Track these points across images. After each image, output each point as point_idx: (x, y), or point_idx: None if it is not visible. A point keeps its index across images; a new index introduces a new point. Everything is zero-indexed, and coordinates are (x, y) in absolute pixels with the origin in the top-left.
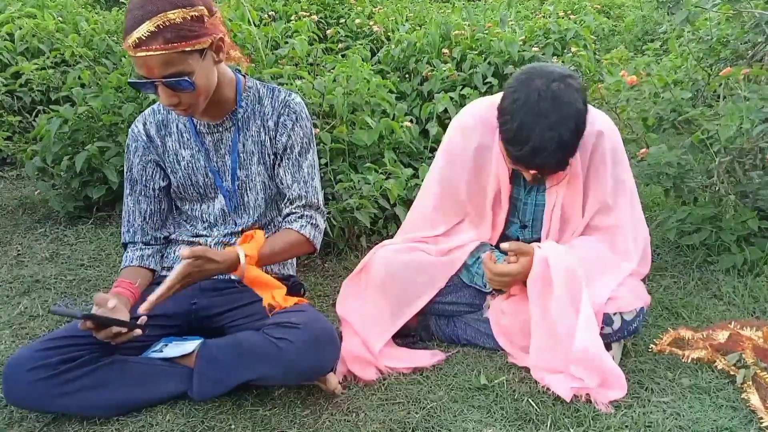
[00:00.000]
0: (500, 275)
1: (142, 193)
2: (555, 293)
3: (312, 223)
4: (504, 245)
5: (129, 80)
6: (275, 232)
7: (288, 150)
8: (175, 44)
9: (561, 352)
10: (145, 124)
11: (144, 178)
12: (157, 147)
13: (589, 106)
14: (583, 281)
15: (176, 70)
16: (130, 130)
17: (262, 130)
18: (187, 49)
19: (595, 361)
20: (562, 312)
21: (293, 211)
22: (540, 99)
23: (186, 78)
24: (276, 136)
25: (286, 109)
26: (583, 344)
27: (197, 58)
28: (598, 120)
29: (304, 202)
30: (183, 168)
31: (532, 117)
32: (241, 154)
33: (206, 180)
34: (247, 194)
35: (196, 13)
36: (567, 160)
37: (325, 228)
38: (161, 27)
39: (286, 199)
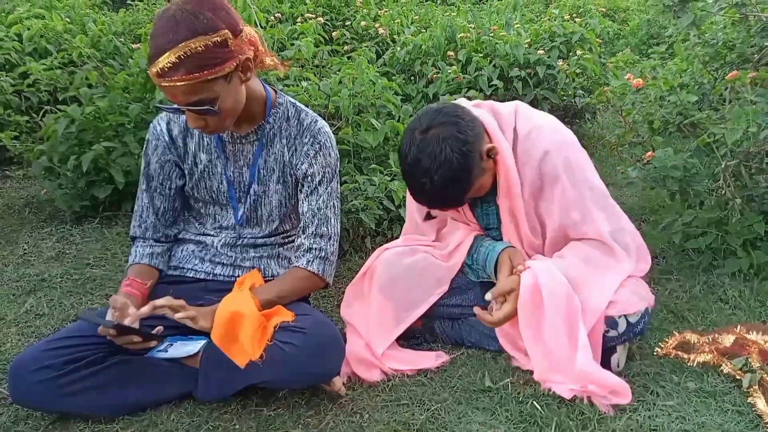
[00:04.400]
0: (502, 320)
1: (157, 190)
2: (546, 317)
3: (321, 257)
4: (487, 296)
5: (156, 104)
6: (287, 244)
7: (309, 178)
8: (197, 74)
9: (560, 370)
10: (168, 123)
11: (161, 177)
12: (177, 147)
13: (538, 119)
14: (578, 304)
15: (200, 97)
16: (152, 125)
17: (286, 150)
18: (210, 77)
19: (599, 380)
20: (554, 336)
21: (303, 242)
22: (411, 149)
23: (209, 106)
24: (297, 163)
25: (311, 138)
26: (584, 368)
27: (222, 83)
28: (542, 139)
29: (313, 230)
30: (199, 171)
31: (408, 166)
32: (261, 170)
33: (220, 186)
34: (261, 209)
35: (219, 39)
36: (454, 200)
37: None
38: (183, 57)
39: (299, 227)
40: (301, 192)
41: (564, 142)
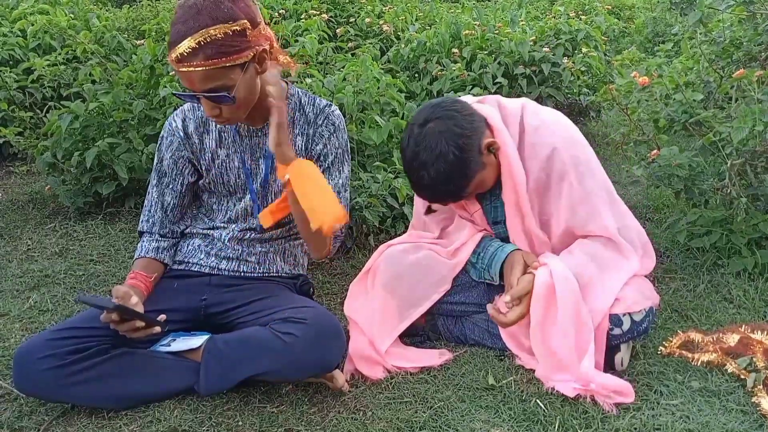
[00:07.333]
0: (515, 320)
1: (169, 186)
2: (558, 319)
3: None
4: (505, 298)
5: (173, 92)
6: (292, 240)
7: (321, 158)
8: (216, 60)
9: (563, 368)
10: (184, 120)
11: (174, 173)
12: (193, 144)
13: (547, 115)
14: (587, 314)
15: (217, 84)
16: (167, 122)
17: (300, 138)
18: (228, 64)
19: (602, 384)
20: (563, 339)
21: None
22: (409, 143)
23: (226, 93)
24: (311, 145)
25: (325, 120)
26: (588, 372)
27: (238, 71)
28: (550, 135)
29: None
30: (217, 166)
31: (407, 160)
32: (275, 161)
33: (237, 180)
34: (273, 197)
35: (238, 28)
36: (453, 194)
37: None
38: (202, 43)
39: None
40: None
41: (572, 139)
